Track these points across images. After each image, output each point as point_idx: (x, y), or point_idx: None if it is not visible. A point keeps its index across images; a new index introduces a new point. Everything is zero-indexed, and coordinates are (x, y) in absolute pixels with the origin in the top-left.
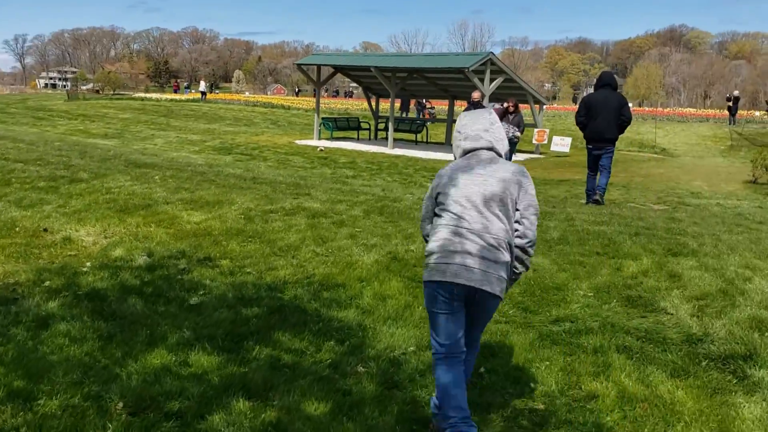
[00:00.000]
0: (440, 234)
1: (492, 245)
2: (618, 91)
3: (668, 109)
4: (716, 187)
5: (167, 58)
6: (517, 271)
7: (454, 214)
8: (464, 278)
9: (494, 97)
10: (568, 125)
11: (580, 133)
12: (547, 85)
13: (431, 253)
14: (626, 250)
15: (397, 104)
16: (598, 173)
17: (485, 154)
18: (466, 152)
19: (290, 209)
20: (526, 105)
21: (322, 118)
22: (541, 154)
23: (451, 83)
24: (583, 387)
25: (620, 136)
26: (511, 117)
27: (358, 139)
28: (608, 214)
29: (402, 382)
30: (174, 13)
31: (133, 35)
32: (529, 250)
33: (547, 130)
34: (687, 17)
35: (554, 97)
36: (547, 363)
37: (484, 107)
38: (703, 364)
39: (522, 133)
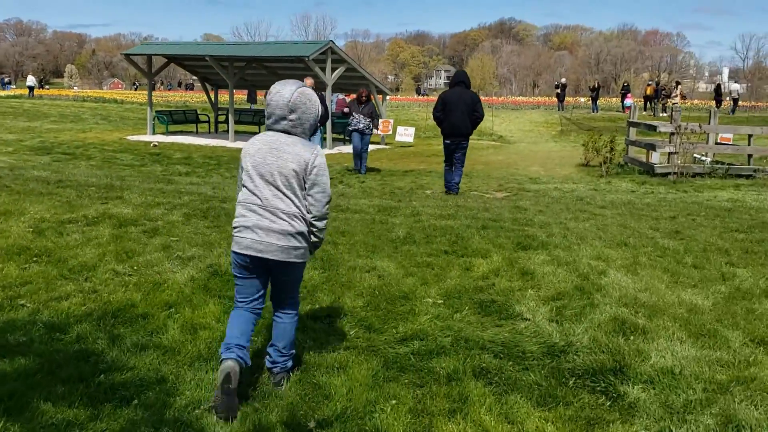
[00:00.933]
0: (238, 209)
1: (282, 218)
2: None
3: (502, 97)
4: (552, 171)
5: None
6: (314, 240)
7: (249, 190)
8: (254, 250)
9: (337, 88)
10: (411, 115)
11: (423, 123)
12: (391, 77)
13: (233, 227)
14: (475, 247)
15: (244, 95)
16: (453, 167)
17: (283, 135)
18: (268, 128)
19: (94, 218)
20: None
21: (156, 112)
22: (386, 144)
23: (292, 73)
24: None
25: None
26: (362, 107)
27: (197, 132)
28: (454, 206)
29: None
30: None
31: None
32: (316, 223)
33: (392, 121)
34: (515, 11)
35: (397, 89)
36: (394, 402)
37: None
38: (571, 383)
39: (376, 125)
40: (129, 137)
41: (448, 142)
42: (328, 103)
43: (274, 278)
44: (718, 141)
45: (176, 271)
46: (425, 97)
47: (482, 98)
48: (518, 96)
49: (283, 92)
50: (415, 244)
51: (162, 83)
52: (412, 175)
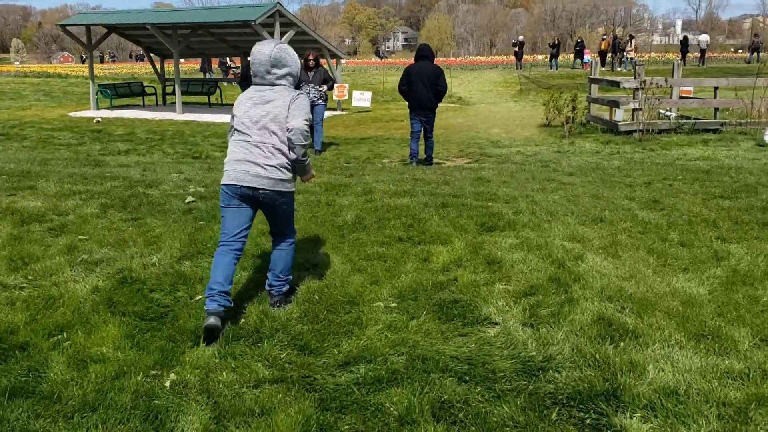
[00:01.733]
0: (229, 147)
1: (270, 153)
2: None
3: (460, 58)
4: (513, 133)
5: None
6: (301, 161)
7: (239, 130)
8: (243, 180)
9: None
10: (368, 79)
11: (380, 87)
12: (348, 40)
13: (225, 162)
14: (434, 231)
15: (196, 65)
16: (423, 139)
17: (268, 88)
18: (255, 84)
19: None
20: (323, 60)
21: (99, 86)
22: (343, 110)
23: (240, 39)
24: None
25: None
26: (311, 74)
27: (143, 106)
28: (411, 180)
29: None
30: None
31: None
32: (300, 160)
33: (347, 85)
34: None
35: (355, 52)
36: None
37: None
38: (554, 416)
39: (331, 89)
40: (71, 114)
41: (413, 114)
42: None
43: (268, 212)
44: (681, 95)
45: (78, 281)
46: (384, 59)
47: (441, 59)
48: (476, 56)
49: (263, 49)
50: (366, 230)
51: (112, 56)
52: (369, 142)
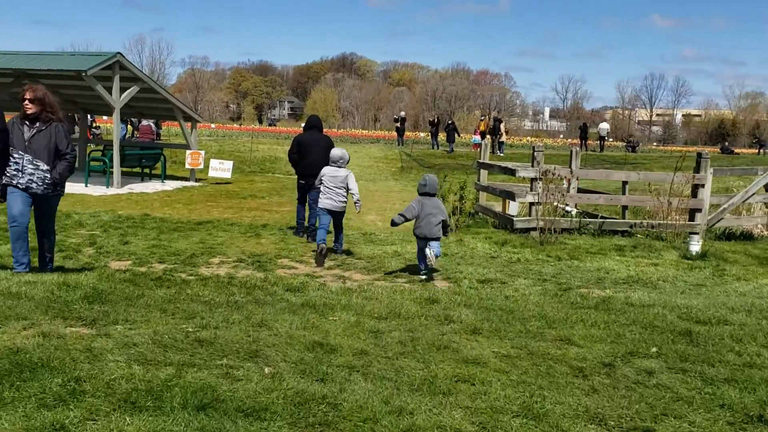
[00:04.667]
0: None
1: None
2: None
3: (342, 130)
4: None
5: None
6: None
7: None
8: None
9: (138, 113)
10: (237, 146)
11: (249, 156)
12: (233, 106)
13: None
14: None
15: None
16: (307, 207)
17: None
18: None
19: None
20: (174, 123)
21: None
22: (197, 181)
23: (77, 93)
24: None
25: None
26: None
27: None
28: (182, 345)
29: None
30: None
31: None
32: None
33: (203, 152)
34: (357, 45)
35: (239, 117)
36: None
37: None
38: None
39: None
40: None
41: (302, 182)
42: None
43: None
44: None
45: None
46: (273, 127)
47: (325, 131)
48: (360, 129)
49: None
50: None
51: None
52: (207, 228)
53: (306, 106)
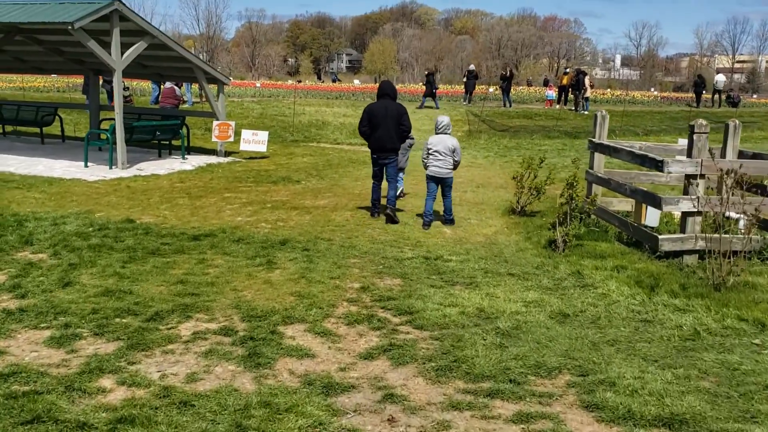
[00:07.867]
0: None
1: None
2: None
3: (400, 85)
4: (463, 230)
5: None
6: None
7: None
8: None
9: (155, 74)
10: (281, 109)
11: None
12: (291, 60)
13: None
14: None
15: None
16: (386, 183)
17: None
18: None
19: None
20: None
21: None
22: (226, 155)
23: (82, 50)
24: None
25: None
26: None
27: None
28: None
29: None
30: None
31: None
32: None
33: (233, 123)
34: None
35: (297, 71)
36: None
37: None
38: None
39: None
40: None
41: (375, 157)
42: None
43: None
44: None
45: None
46: (336, 84)
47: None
48: (421, 84)
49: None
50: None
51: None
52: (199, 250)
53: (364, 58)
